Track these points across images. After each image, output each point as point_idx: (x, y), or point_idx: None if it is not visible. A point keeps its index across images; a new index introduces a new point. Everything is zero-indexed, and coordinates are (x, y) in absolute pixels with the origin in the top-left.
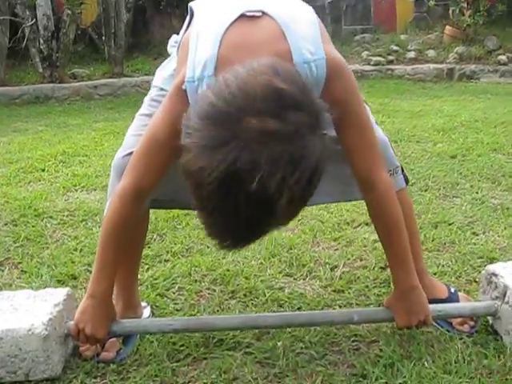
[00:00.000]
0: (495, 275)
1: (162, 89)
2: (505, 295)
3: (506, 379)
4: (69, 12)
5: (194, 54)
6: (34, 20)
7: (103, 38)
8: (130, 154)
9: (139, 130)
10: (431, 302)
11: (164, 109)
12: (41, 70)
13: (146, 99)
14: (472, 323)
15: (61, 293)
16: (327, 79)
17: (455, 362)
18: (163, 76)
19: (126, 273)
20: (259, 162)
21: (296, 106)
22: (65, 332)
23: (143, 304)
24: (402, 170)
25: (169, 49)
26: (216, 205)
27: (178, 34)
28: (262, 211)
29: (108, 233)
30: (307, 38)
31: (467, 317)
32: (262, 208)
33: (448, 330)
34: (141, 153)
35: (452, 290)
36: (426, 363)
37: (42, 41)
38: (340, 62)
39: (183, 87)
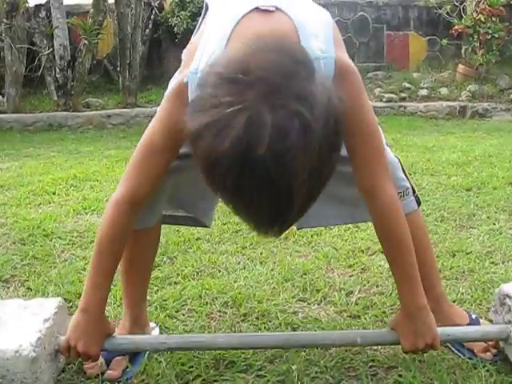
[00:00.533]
0: (509, 297)
1: None
2: None
3: None
4: (85, 42)
5: (203, 47)
6: (51, 49)
7: (118, 68)
8: None
9: None
10: None
11: (161, 112)
12: (55, 99)
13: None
14: (495, 351)
15: (51, 305)
16: (334, 80)
17: None
18: None
19: (134, 290)
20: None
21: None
22: (55, 348)
23: (152, 325)
24: (414, 192)
25: (182, 56)
26: (232, 180)
27: None
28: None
29: (103, 243)
30: (319, 37)
31: (479, 341)
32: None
33: (470, 358)
34: (137, 160)
35: (473, 316)
36: None
37: (57, 70)
38: (349, 65)
39: (185, 80)
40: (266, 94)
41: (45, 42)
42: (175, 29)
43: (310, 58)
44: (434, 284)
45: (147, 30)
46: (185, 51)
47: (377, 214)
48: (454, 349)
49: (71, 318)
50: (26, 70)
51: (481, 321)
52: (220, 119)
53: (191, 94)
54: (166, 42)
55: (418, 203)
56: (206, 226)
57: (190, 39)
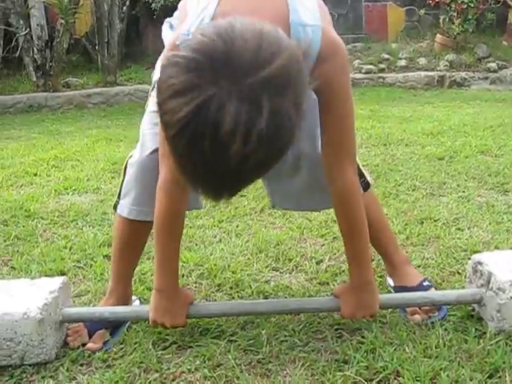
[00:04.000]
0: (480, 264)
1: None
2: (489, 282)
3: (485, 362)
4: (62, 22)
5: (194, 11)
6: (28, 29)
7: (96, 47)
8: (156, 150)
9: (153, 126)
10: (397, 288)
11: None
12: (34, 79)
13: (152, 94)
14: (425, 316)
15: (57, 281)
16: (320, 53)
17: (436, 347)
18: None
19: (126, 268)
20: (225, 104)
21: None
22: (60, 319)
23: (133, 297)
24: (362, 177)
25: (163, 35)
26: (186, 149)
27: None
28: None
29: (161, 225)
30: (309, 9)
31: (453, 304)
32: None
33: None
34: (162, 141)
35: (426, 283)
36: (406, 348)
37: (35, 50)
38: (336, 39)
39: (177, 42)
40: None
41: (21, 22)
42: (153, 5)
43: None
44: (392, 253)
45: (124, 8)
46: (165, 27)
47: (337, 195)
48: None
49: (151, 297)
50: (3, 51)
51: (432, 289)
52: (185, 87)
53: None
54: (144, 19)
55: (366, 187)
56: (198, 208)
57: (167, 16)
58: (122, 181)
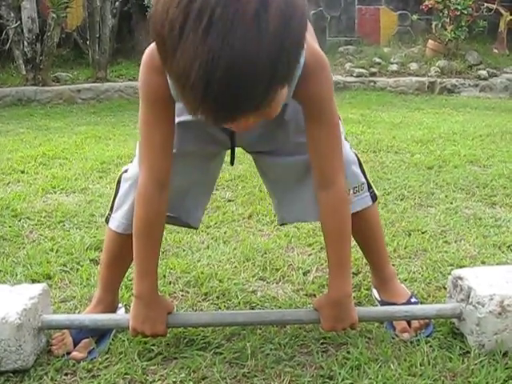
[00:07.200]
0: (460, 278)
1: None
2: (469, 296)
3: (469, 382)
4: (54, 15)
5: None
6: (19, 22)
7: (88, 42)
8: None
9: None
10: (384, 303)
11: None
12: (24, 73)
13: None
14: (413, 334)
15: (36, 288)
16: (306, 65)
17: (420, 365)
18: None
19: (115, 276)
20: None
21: None
22: (39, 325)
23: (119, 305)
24: (370, 188)
25: None
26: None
27: None
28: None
29: (140, 230)
30: None
31: (435, 318)
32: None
33: (397, 335)
34: (141, 144)
35: (413, 299)
36: (391, 365)
37: (26, 43)
38: (321, 56)
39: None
40: None
41: (12, 14)
42: (145, 1)
43: None
44: (383, 267)
45: (117, 3)
46: None
47: (325, 204)
48: (384, 324)
49: (131, 305)
50: None
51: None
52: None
53: None
54: (136, 15)
55: (374, 199)
56: (192, 227)
57: None
58: (115, 195)
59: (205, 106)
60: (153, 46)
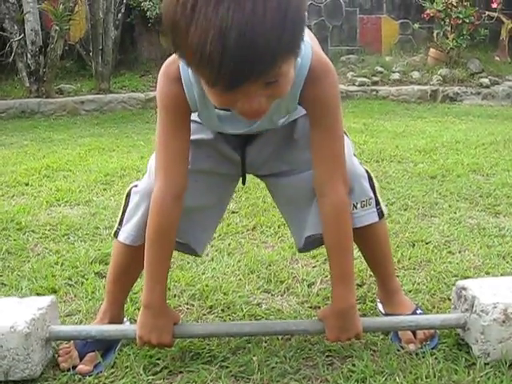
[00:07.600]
0: (464, 289)
1: None
2: (473, 306)
3: None
4: (57, 28)
5: None
6: (22, 35)
7: (91, 54)
8: None
9: None
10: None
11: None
12: (27, 85)
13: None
14: (419, 345)
15: (45, 300)
16: (311, 70)
17: (426, 378)
18: None
19: (122, 290)
20: None
21: None
22: (47, 336)
23: (124, 319)
24: (378, 204)
25: None
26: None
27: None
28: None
29: (153, 239)
30: None
31: (440, 329)
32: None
33: (402, 347)
34: (159, 151)
35: (419, 311)
36: (397, 378)
37: (29, 56)
38: (327, 63)
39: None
40: None
41: (15, 27)
42: (148, 13)
43: None
44: (388, 281)
45: (119, 15)
46: None
47: (326, 213)
48: (390, 336)
49: (139, 314)
50: None
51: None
52: None
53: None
54: (138, 27)
55: (380, 216)
56: (197, 254)
57: (162, 25)
58: (124, 209)
59: (221, 73)
60: (170, 58)
